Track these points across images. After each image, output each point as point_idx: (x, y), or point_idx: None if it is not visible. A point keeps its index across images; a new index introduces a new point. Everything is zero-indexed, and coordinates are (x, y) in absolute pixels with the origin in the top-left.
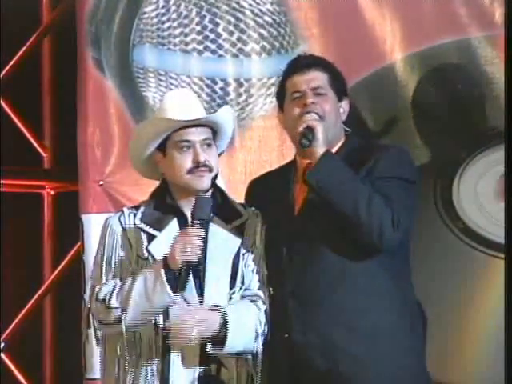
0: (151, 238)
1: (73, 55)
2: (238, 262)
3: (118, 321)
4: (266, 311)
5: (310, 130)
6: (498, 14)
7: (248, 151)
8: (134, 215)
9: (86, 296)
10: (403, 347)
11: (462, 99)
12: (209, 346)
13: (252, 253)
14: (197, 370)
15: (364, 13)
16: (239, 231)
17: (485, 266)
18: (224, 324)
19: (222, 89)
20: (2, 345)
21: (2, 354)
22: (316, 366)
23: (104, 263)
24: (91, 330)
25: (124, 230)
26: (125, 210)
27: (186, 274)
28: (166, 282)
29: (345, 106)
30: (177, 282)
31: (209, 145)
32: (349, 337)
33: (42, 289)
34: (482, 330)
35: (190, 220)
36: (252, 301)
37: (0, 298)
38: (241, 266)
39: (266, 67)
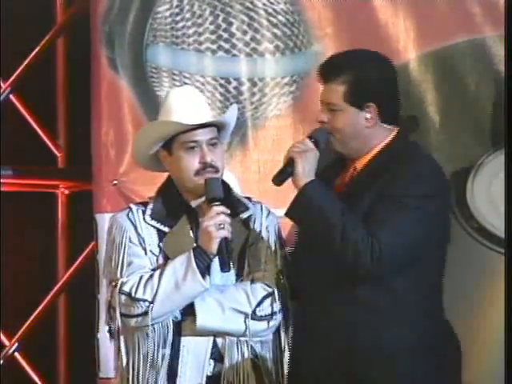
0: (162, 234)
1: (87, 55)
2: (245, 254)
3: (144, 313)
4: (268, 296)
5: (292, 160)
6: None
7: (262, 151)
8: (143, 212)
9: (103, 293)
10: (409, 367)
11: (475, 98)
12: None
13: (258, 244)
14: (206, 368)
15: (377, 12)
16: (246, 224)
17: (499, 265)
18: None
19: (235, 88)
20: (16, 344)
21: (16, 354)
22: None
23: (119, 261)
24: (106, 327)
25: (135, 226)
26: (132, 206)
27: (228, 251)
28: (197, 270)
29: (371, 111)
30: (222, 265)
31: (214, 144)
32: (348, 352)
33: (56, 288)
34: (496, 330)
35: (206, 203)
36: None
37: (14, 298)
38: (247, 258)
39: (279, 66)
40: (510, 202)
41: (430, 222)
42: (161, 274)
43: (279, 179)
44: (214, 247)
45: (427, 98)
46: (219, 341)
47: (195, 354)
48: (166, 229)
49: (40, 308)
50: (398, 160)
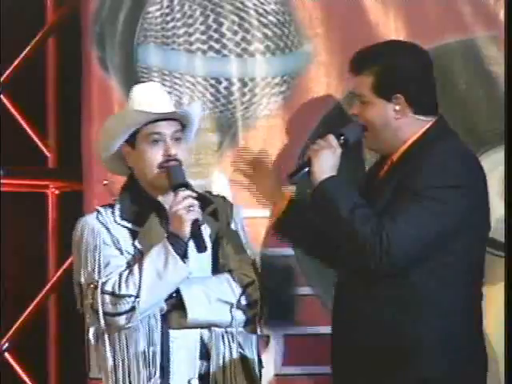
0: (134, 234)
1: (77, 55)
2: (218, 247)
3: (132, 309)
4: (250, 284)
5: (309, 159)
6: (503, 13)
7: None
8: (112, 213)
9: (85, 296)
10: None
11: (466, 99)
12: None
13: (229, 236)
14: (197, 363)
15: (368, 12)
16: (214, 217)
17: (499, 266)
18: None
19: (226, 88)
20: (6, 344)
21: (6, 354)
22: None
23: (96, 263)
24: (92, 329)
25: (107, 228)
26: (99, 208)
27: (200, 233)
28: (177, 256)
29: (400, 102)
30: (197, 247)
31: (178, 138)
32: (367, 351)
33: (46, 288)
34: (496, 330)
35: (172, 191)
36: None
37: (4, 298)
38: (220, 250)
39: (270, 67)
40: (510, 202)
41: (447, 215)
42: (140, 268)
43: (293, 179)
44: (187, 230)
45: None
46: (205, 336)
47: (185, 348)
48: (137, 228)
49: (30, 308)
50: (424, 151)
